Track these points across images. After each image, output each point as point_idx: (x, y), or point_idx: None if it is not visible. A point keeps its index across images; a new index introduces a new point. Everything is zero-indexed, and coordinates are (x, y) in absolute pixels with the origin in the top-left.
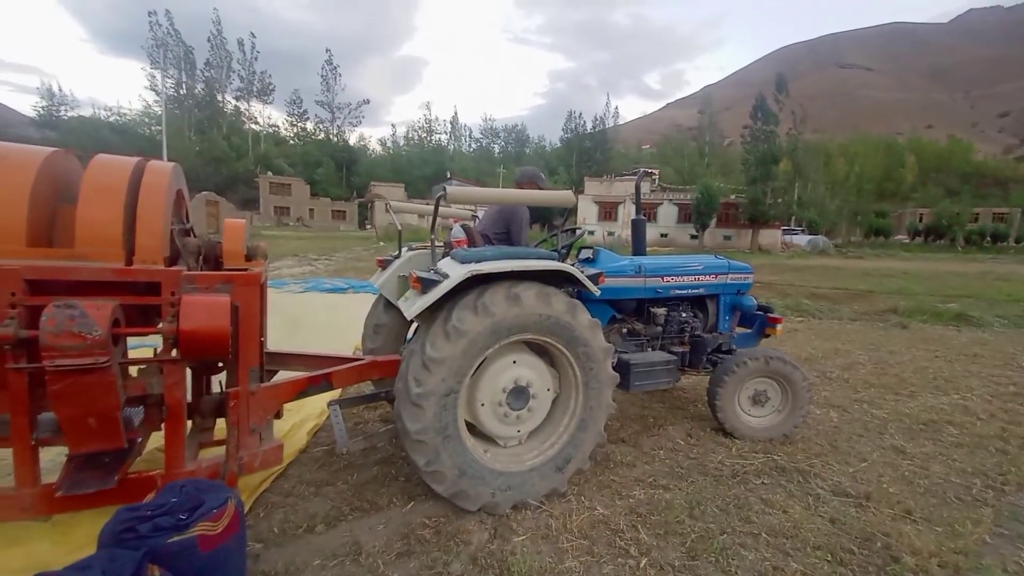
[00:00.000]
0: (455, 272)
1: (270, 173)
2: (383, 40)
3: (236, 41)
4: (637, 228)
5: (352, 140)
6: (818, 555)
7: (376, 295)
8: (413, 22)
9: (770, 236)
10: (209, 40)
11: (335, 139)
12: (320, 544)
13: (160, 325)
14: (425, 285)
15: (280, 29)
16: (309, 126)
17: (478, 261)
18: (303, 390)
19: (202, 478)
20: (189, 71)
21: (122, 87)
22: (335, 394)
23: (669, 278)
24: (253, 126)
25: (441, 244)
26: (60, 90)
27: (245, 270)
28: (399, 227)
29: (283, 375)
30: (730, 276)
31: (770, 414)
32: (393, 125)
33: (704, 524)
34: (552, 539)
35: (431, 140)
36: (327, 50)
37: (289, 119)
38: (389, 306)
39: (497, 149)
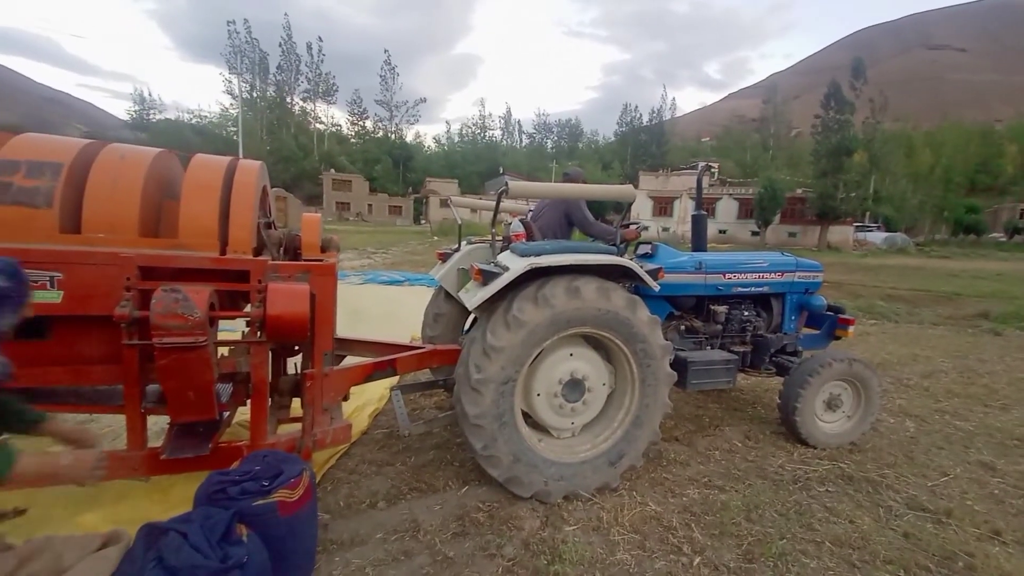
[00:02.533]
0: (516, 265)
1: (333, 170)
2: (440, 39)
3: (304, 45)
4: (698, 223)
5: (409, 137)
6: (889, 569)
7: (435, 288)
8: (469, 21)
9: (840, 233)
10: (280, 45)
11: (393, 137)
12: (382, 519)
13: (248, 309)
14: (486, 277)
15: (344, 32)
16: (369, 124)
17: (538, 255)
18: (370, 374)
19: (280, 450)
20: (262, 75)
21: (202, 91)
22: (391, 382)
23: (731, 275)
24: (318, 126)
25: (500, 238)
26: (150, 95)
27: (321, 261)
28: (459, 221)
29: (350, 360)
30: (798, 274)
31: (840, 420)
32: (448, 122)
33: (762, 528)
34: (603, 531)
35: (484, 136)
36: (385, 51)
37: (350, 118)
38: (448, 297)
39: (550, 144)
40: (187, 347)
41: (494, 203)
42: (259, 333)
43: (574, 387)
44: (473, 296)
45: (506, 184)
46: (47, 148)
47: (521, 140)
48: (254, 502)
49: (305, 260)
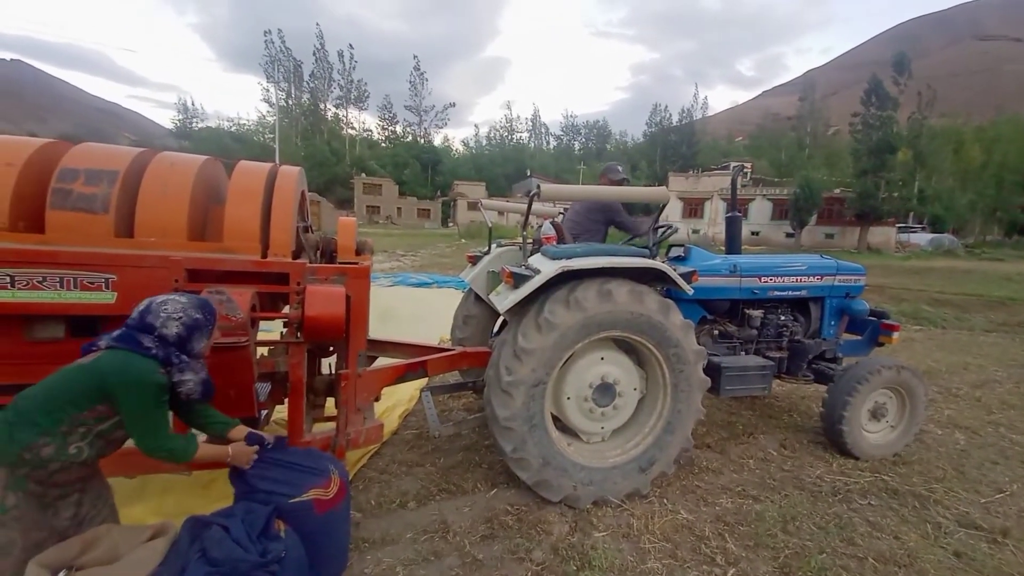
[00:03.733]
0: (547, 268)
1: (364, 175)
2: (468, 44)
3: (336, 53)
4: (732, 225)
5: (437, 141)
6: None
7: (465, 290)
8: (497, 24)
9: (882, 234)
10: (314, 54)
11: (422, 141)
12: (412, 519)
13: (287, 310)
14: (517, 280)
15: (374, 38)
16: (398, 129)
17: (569, 257)
18: (402, 375)
19: (315, 448)
20: (297, 83)
21: (241, 99)
22: (421, 383)
23: (767, 278)
24: (350, 131)
25: (531, 240)
26: (192, 105)
27: (356, 264)
28: (490, 224)
29: (381, 361)
30: (838, 277)
31: (883, 430)
32: (476, 125)
33: (800, 540)
34: (633, 538)
35: (512, 139)
36: (414, 56)
37: (381, 123)
38: (478, 300)
39: (577, 146)
40: (230, 347)
41: (524, 206)
42: (297, 334)
43: (605, 391)
44: (504, 299)
45: (538, 187)
46: (104, 156)
47: (549, 142)
48: (291, 499)
49: (340, 263)
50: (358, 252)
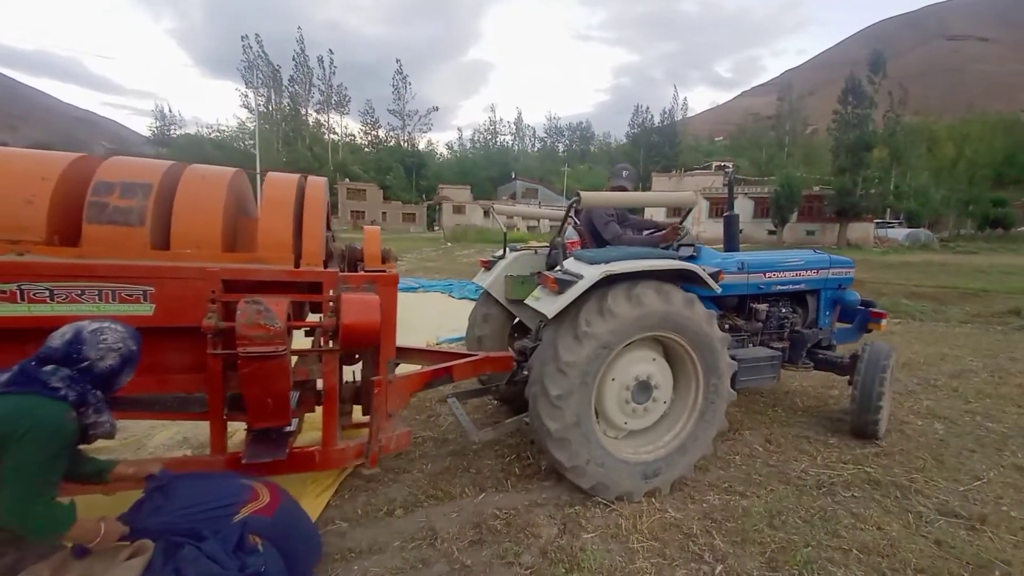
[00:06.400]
0: (588, 272)
1: (347, 180)
2: (451, 47)
3: (316, 58)
4: (730, 224)
5: (421, 145)
6: None
7: (481, 295)
8: (479, 27)
9: (861, 230)
10: (293, 58)
11: (405, 145)
12: (399, 527)
13: (321, 319)
14: (562, 285)
15: (356, 43)
16: (381, 134)
17: (607, 261)
18: (429, 382)
19: (215, 473)
20: (276, 88)
21: (220, 106)
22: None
23: (771, 274)
24: (332, 136)
25: (545, 245)
26: (170, 111)
27: (383, 272)
28: (504, 229)
29: (402, 367)
30: (832, 271)
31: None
32: (460, 129)
33: (786, 535)
34: (622, 539)
35: (496, 142)
36: (397, 60)
37: (363, 128)
38: (495, 304)
39: (562, 148)
40: (268, 356)
41: (532, 211)
42: (331, 342)
43: (642, 388)
44: (550, 304)
45: (578, 195)
46: (137, 169)
47: (533, 144)
48: (233, 520)
49: (367, 271)
50: (383, 260)
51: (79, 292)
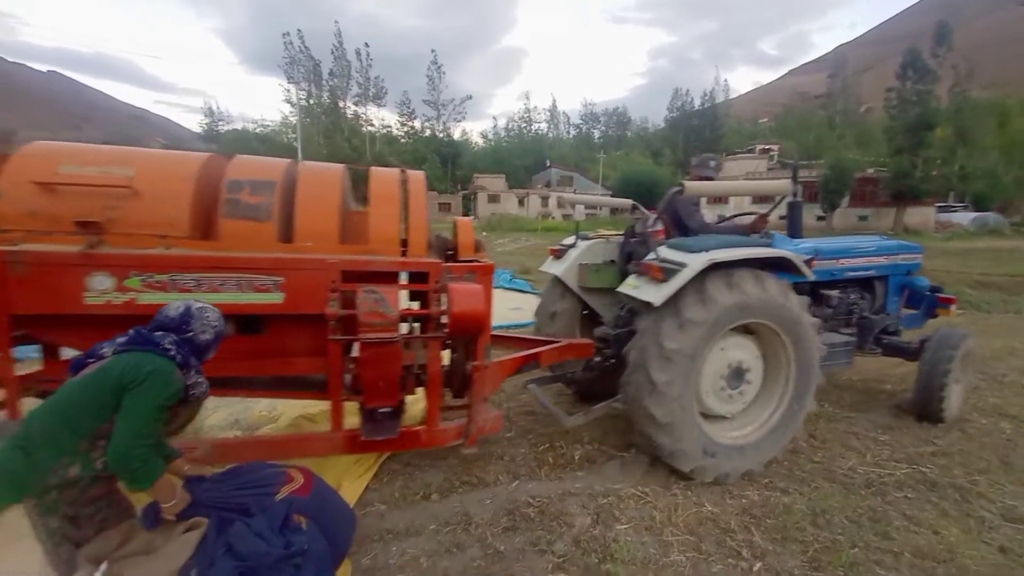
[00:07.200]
0: (692, 261)
1: None
2: (484, 36)
3: (354, 52)
4: (794, 210)
5: (456, 135)
6: None
7: (551, 282)
8: (513, 15)
9: (920, 214)
10: (332, 52)
11: (440, 135)
12: (435, 511)
13: (430, 307)
14: (667, 273)
15: (391, 35)
16: (417, 124)
17: (706, 250)
18: (519, 367)
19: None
20: (317, 82)
21: (264, 101)
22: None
23: (844, 260)
24: (369, 128)
25: (619, 233)
26: (218, 108)
27: (479, 261)
28: (575, 218)
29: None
30: (901, 256)
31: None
32: (494, 117)
33: (830, 534)
34: (656, 531)
35: (530, 130)
36: (432, 51)
37: (400, 119)
38: (565, 292)
39: (597, 134)
40: (384, 341)
41: (597, 199)
42: (436, 329)
43: (737, 374)
44: (654, 291)
45: (681, 185)
46: (260, 168)
47: (568, 131)
48: (276, 498)
49: (463, 261)
50: (476, 250)
51: (220, 283)
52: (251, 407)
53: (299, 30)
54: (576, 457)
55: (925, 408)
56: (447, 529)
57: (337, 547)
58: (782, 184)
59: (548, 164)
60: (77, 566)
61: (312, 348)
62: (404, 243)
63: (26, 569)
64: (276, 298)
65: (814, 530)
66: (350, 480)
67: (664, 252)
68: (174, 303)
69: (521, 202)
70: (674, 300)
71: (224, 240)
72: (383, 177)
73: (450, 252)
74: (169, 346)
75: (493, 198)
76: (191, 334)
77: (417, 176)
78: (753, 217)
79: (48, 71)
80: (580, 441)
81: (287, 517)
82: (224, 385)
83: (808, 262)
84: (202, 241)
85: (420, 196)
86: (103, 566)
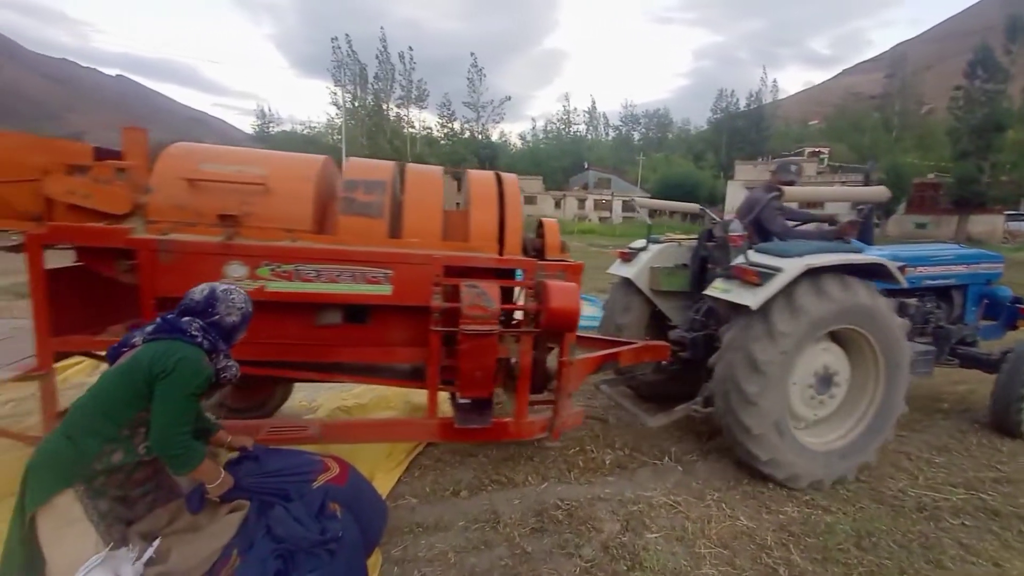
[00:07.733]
0: (787, 265)
1: None
2: (525, 38)
3: (397, 55)
4: (867, 218)
5: (494, 136)
6: None
7: (618, 285)
8: (554, 16)
9: (986, 222)
10: (377, 56)
11: (479, 136)
12: (464, 508)
13: (527, 303)
14: (763, 277)
15: (433, 38)
16: (456, 126)
17: (799, 255)
18: (600, 365)
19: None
20: (362, 85)
21: (312, 103)
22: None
23: (923, 268)
24: (410, 129)
25: (693, 237)
26: (269, 110)
27: (567, 261)
28: (648, 221)
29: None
30: (981, 265)
31: None
32: (533, 119)
33: (876, 558)
34: (688, 542)
35: (569, 132)
36: (472, 54)
37: (440, 121)
38: (636, 294)
39: (637, 136)
40: (484, 334)
41: (670, 204)
42: (530, 324)
43: (824, 379)
44: (748, 296)
45: (780, 190)
46: (371, 168)
47: (607, 133)
48: (314, 486)
49: (552, 260)
50: (562, 250)
51: (337, 273)
52: (292, 396)
53: (347, 35)
54: (607, 462)
55: (1000, 422)
56: (475, 526)
57: (369, 537)
58: (879, 190)
59: (586, 166)
60: (129, 543)
61: (411, 338)
62: (500, 241)
63: (82, 549)
64: (385, 290)
65: (858, 552)
66: (383, 473)
67: (755, 257)
68: (199, 286)
69: (557, 204)
70: (764, 308)
71: (341, 235)
72: (481, 179)
73: (534, 252)
74: (196, 333)
75: (529, 200)
76: (217, 317)
77: (511, 179)
78: (835, 224)
79: (117, 75)
80: (612, 446)
81: (323, 504)
82: (330, 370)
83: (902, 269)
84: (322, 236)
85: (516, 198)
86: (156, 542)
